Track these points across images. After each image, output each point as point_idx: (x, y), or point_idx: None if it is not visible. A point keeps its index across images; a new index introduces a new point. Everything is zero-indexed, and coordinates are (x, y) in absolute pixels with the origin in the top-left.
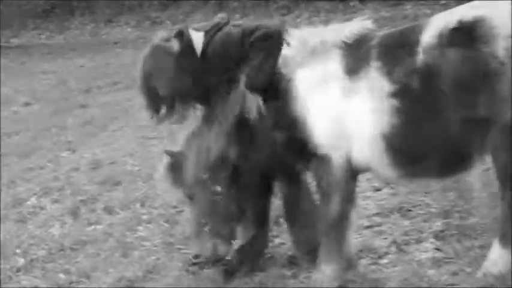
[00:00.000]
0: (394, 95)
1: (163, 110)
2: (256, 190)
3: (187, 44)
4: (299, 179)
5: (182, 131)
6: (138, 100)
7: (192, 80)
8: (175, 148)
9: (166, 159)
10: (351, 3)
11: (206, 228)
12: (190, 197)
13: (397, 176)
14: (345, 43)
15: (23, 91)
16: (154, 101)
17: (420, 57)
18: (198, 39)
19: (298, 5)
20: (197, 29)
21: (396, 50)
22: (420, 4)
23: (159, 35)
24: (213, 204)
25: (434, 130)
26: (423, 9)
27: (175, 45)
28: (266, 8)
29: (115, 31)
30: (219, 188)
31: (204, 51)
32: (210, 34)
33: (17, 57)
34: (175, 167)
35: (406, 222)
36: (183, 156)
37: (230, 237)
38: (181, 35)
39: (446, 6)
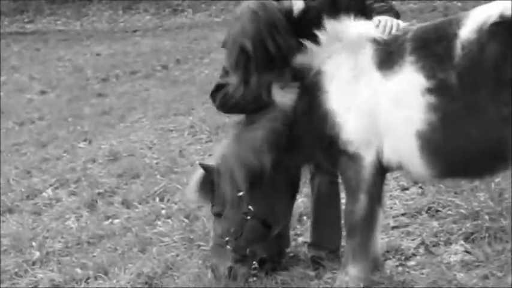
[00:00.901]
0: (430, 91)
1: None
2: (283, 192)
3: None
4: (328, 176)
5: (218, 144)
6: (157, 91)
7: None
8: (210, 162)
9: (199, 172)
10: None
11: (228, 247)
12: (219, 215)
13: (431, 176)
14: (378, 36)
15: (38, 79)
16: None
17: (458, 52)
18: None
19: None
20: None
21: (432, 44)
22: None
23: None
24: (242, 224)
25: (472, 128)
26: (454, 2)
27: (287, 3)
28: None
29: (134, 19)
30: (251, 208)
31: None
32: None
33: (32, 44)
34: (208, 181)
35: (435, 223)
36: (217, 172)
37: (252, 259)
38: None
39: (477, 1)
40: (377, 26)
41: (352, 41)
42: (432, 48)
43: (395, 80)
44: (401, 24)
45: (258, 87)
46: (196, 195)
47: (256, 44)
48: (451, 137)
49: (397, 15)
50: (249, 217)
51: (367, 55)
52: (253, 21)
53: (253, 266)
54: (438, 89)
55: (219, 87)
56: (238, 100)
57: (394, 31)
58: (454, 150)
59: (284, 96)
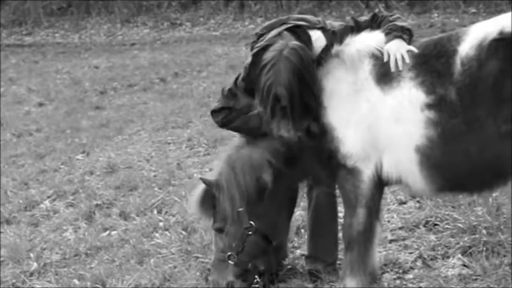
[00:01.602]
0: (429, 106)
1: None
2: (284, 206)
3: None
4: (325, 189)
5: (217, 158)
6: (154, 104)
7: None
8: (211, 176)
9: (201, 187)
10: (376, 10)
11: (230, 262)
12: (220, 230)
13: (431, 190)
14: (377, 52)
15: (36, 91)
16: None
17: (458, 69)
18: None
19: (322, 10)
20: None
21: (432, 60)
22: (448, 13)
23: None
24: (244, 239)
25: (471, 144)
26: (451, 18)
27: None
28: (289, 11)
29: (132, 32)
30: (252, 223)
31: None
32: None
33: (30, 56)
34: (209, 196)
35: (432, 237)
36: (218, 187)
37: (253, 273)
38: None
39: (475, 16)
40: (387, 57)
41: (352, 57)
42: (432, 64)
43: (394, 95)
44: (411, 48)
45: (292, 132)
46: (198, 210)
47: (293, 94)
48: (451, 152)
49: (409, 33)
50: (250, 232)
51: (366, 70)
52: (289, 71)
53: (255, 281)
54: (438, 105)
55: (221, 109)
56: (240, 126)
57: (402, 62)
58: (454, 166)
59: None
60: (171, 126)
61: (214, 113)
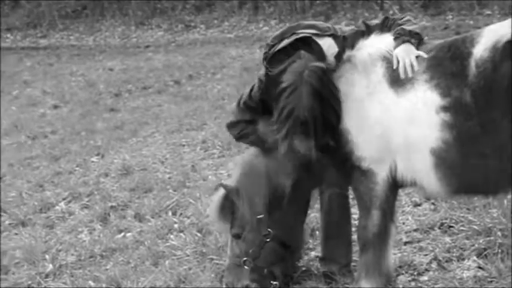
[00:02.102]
0: (444, 109)
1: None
2: (301, 211)
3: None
4: (338, 191)
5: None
6: (169, 106)
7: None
8: (231, 183)
9: (221, 193)
10: (391, 12)
11: (246, 267)
12: (238, 236)
13: (446, 192)
14: (388, 55)
15: (51, 93)
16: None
17: (472, 71)
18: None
19: (336, 12)
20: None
21: (446, 62)
22: (462, 14)
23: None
24: (261, 246)
25: (487, 146)
26: (466, 20)
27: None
28: (303, 14)
29: (146, 34)
30: (270, 230)
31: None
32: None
33: (45, 59)
34: (228, 202)
35: (448, 239)
36: (238, 193)
37: (269, 279)
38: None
39: (490, 18)
40: (396, 63)
41: (364, 61)
42: (446, 66)
43: (408, 97)
44: (421, 53)
45: (314, 150)
46: (216, 215)
47: (316, 116)
48: (466, 154)
49: (417, 37)
50: (268, 239)
51: (379, 73)
52: (310, 95)
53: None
54: (453, 107)
55: (237, 123)
56: (256, 141)
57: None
58: (469, 168)
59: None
60: (186, 128)
61: (230, 127)
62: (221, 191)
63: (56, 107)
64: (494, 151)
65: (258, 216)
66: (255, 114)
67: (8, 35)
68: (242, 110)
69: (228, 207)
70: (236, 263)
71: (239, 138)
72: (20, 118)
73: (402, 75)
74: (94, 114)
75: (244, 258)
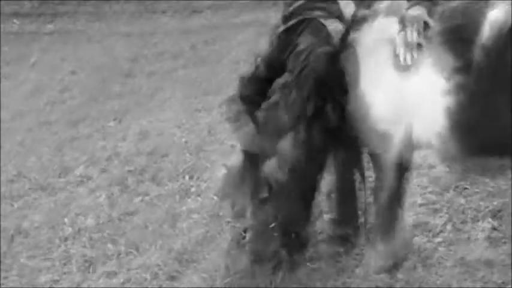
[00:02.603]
0: (459, 70)
1: None
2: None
3: None
4: (354, 154)
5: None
6: (185, 71)
7: None
8: (233, 161)
9: (239, 158)
10: None
11: (275, 233)
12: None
13: (462, 154)
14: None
15: (68, 60)
16: None
17: (487, 33)
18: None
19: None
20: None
21: (460, 25)
22: None
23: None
24: (290, 207)
25: (502, 106)
26: None
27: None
28: None
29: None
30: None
31: None
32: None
33: (63, 26)
34: (249, 167)
35: (462, 200)
36: (259, 157)
37: (296, 241)
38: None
39: None
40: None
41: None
42: (460, 29)
43: (423, 60)
44: (431, 22)
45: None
46: (238, 181)
47: (334, 80)
48: (481, 115)
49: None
50: (294, 196)
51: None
52: (329, 57)
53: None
54: (466, 69)
55: (249, 80)
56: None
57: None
58: (484, 129)
59: None
60: (202, 93)
61: (243, 80)
62: (239, 157)
63: (73, 73)
64: (509, 111)
65: (284, 177)
66: (269, 71)
67: (15, 20)
68: (257, 66)
69: (249, 173)
70: (262, 230)
71: (245, 99)
72: (38, 84)
73: (409, 39)
74: (111, 80)
75: (273, 224)
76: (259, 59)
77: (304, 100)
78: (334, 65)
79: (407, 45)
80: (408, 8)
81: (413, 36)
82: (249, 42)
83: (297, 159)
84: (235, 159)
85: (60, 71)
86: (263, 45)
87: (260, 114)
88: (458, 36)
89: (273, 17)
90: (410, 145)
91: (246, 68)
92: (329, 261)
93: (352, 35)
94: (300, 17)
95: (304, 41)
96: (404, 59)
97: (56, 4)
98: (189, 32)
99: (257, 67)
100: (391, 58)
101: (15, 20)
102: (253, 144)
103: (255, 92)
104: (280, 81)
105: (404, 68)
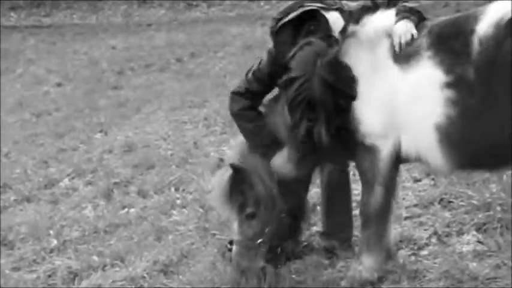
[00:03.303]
0: (448, 85)
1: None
2: (307, 185)
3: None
4: (342, 168)
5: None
6: (171, 83)
7: None
8: (238, 162)
9: (227, 173)
10: None
11: (262, 248)
12: (253, 216)
13: (450, 168)
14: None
15: (54, 71)
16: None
17: (476, 48)
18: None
19: None
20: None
21: (449, 39)
22: None
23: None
24: (277, 223)
25: (490, 122)
26: None
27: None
28: None
29: (148, 13)
30: (284, 205)
31: None
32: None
33: (48, 38)
34: (237, 182)
35: (447, 214)
36: (248, 172)
37: (282, 256)
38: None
39: None
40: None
41: (369, 37)
42: (449, 43)
43: (413, 74)
44: (414, 33)
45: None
46: (226, 197)
47: (328, 105)
48: (470, 130)
49: (418, 15)
50: (283, 215)
51: (385, 49)
52: (323, 87)
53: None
54: (456, 84)
55: (242, 94)
56: (251, 131)
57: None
58: (472, 144)
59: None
60: (188, 105)
61: (233, 98)
62: (227, 172)
63: (59, 85)
64: (497, 127)
65: (272, 192)
66: (262, 86)
67: (12, 14)
68: (250, 81)
69: (237, 188)
70: (248, 246)
71: (236, 115)
72: (24, 96)
73: (397, 51)
74: (97, 92)
75: (260, 240)
76: (250, 75)
77: (296, 122)
78: (341, 67)
79: (404, 34)
80: (396, 22)
81: (410, 25)
82: (234, 55)
83: (286, 174)
84: (223, 173)
85: (46, 83)
86: (252, 60)
87: (252, 130)
88: (448, 49)
89: (258, 31)
90: (398, 159)
91: (234, 83)
92: (314, 273)
93: (352, 28)
94: (301, 9)
95: (297, 67)
96: (400, 47)
97: (41, 16)
98: (175, 45)
99: (249, 82)
100: (391, 51)
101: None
102: (243, 159)
103: (248, 107)
104: (270, 97)
105: (404, 61)
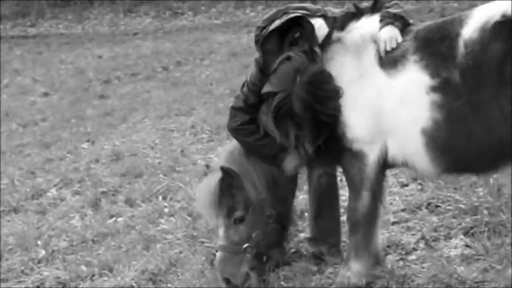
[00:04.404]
0: (434, 89)
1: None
2: (293, 191)
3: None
4: (326, 170)
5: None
6: (158, 92)
7: None
8: (210, 180)
9: (216, 177)
10: None
11: (248, 254)
12: (242, 220)
13: (437, 172)
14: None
15: (41, 81)
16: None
17: (461, 51)
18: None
19: None
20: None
21: (435, 43)
22: None
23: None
24: (265, 228)
25: (476, 126)
26: (450, 3)
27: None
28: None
29: (134, 21)
30: (271, 210)
31: None
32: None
33: (34, 47)
34: (227, 186)
35: (435, 218)
36: (238, 176)
37: (266, 263)
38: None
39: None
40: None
41: (355, 42)
42: (435, 47)
43: (399, 78)
44: (399, 39)
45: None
46: (214, 200)
47: (309, 123)
48: (456, 134)
49: (402, 20)
50: (271, 220)
51: (371, 55)
52: (302, 106)
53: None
54: (442, 87)
55: (241, 109)
56: (252, 144)
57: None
58: (459, 147)
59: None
60: (175, 113)
61: (232, 114)
62: (217, 175)
63: (46, 94)
64: (483, 130)
65: (261, 196)
66: (258, 97)
67: None
68: (246, 94)
69: (227, 191)
70: (234, 251)
71: (234, 130)
72: (10, 106)
73: (382, 55)
74: (84, 101)
75: (246, 245)
76: (245, 88)
77: (283, 134)
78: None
79: (388, 41)
80: (381, 28)
81: (394, 31)
82: (221, 62)
83: (274, 180)
84: (212, 177)
85: (33, 93)
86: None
87: (254, 143)
88: (434, 53)
89: (245, 38)
90: (384, 165)
91: (220, 90)
92: (303, 280)
93: (337, 34)
94: (285, 16)
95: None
96: (385, 53)
97: (27, 27)
98: (161, 54)
99: (246, 96)
100: (378, 56)
101: None
102: (234, 162)
103: (247, 121)
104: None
105: (390, 66)
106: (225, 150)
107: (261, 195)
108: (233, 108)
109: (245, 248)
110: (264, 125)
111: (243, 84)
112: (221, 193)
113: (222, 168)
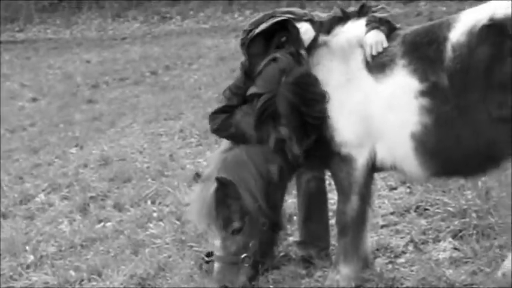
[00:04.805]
0: (423, 93)
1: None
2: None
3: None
4: (314, 174)
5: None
6: (146, 96)
7: None
8: (223, 174)
9: (213, 186)
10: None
11: (246, 264)
12: (238, 231)
13: (426, 175)
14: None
15: (29, 86)
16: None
17: (449, 55)
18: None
19: (311, 0)
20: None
21: (423, 47)
22: (435, 1)
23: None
24: (260, 236)
25: (464, 129)
26: (438, 6)
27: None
28: (277, 3)
29: (123, 26)
30: (265, 219)
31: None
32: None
33: (23, 52)
34: (223, 196)
35: (423, 221)
36: (234, 186)
37: (261, 271)
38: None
39: (462, 3)
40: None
41: (342, 47)
42: (423, 51)
43: (387, 83)
44: (385, 43)
45: (298, 151)
46: (212, 212)
47: (295, 124)
48: (444, 138)
49: (388, 25)
50: (265, 227)
51: (358, 60)
52: (288, 107)
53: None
54: (430, 92)
55: (222, 110)
56: (235, 133)
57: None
58: (447, 151)
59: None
60: (163, 118)
61: (211, 118)
62: (211, 186)
63: (34, 99)
64: (471, 134)
65: (257, 204)
66: (241, 99)
67: None
68: (228, 97)
69: (222, 202)
70: (232, 261)
71: (216, 130)
72: None
73: (369, 60)
74: (72, 106)
75: (244, 255)
76: (228, 91)
77: (264, 136)
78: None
79: (374, 45)
80: (366, 33)
81: (380, 35)
82: (209, 67)
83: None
84: (205, 188)
85: (21, 98)
86: (227, 72)
87: (236, 133)
88: (422, 57)
89: (233, 42)
90: (373, 168)
91: (209, 95)
92: (292, 283)
93: (323, 38)
94: (272, 20)
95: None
96: (371, 57)
97: (15, 32)
98: (149, 58)
99: (228, 99)
100: (365, 61)
101: None
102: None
103: (225, 118)
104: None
105: (378, 70)
106: (216, 157)
107: (257, 202)
108: (212, 113)
109: (243, 258)
110: (235, 125)
111: (224, 90)
112: (217, 204)
113: (218, 179)
